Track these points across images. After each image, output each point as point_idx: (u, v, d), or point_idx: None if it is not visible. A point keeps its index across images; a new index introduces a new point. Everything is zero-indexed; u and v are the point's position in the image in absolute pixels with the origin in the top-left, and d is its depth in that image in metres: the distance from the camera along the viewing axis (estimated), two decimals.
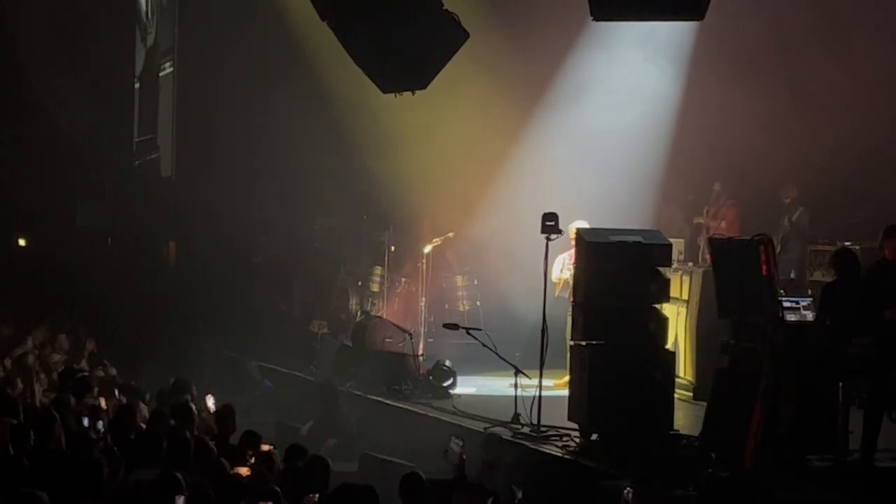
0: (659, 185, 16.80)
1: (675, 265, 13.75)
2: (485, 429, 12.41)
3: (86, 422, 10.60)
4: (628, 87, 16.52)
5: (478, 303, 17.53)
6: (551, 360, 12.60)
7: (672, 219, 17.07)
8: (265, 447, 10.10)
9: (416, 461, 10.93)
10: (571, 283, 13.92)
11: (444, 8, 11.40)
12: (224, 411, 11.07)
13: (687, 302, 13.95)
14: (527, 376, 12.62)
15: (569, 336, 13.31)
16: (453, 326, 14.13)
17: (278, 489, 8.27)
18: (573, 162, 16.38)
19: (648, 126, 16.55)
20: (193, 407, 11.34)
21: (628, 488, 9.16)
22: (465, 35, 11.52)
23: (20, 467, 8.58)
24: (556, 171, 16.36)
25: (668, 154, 16.76)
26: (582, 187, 15.72)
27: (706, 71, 16.38)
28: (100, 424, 10.71)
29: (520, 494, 9.55)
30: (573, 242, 14.50)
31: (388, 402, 14.39)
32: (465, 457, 10.09)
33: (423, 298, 16.29)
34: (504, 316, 16.37)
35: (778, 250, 14.32)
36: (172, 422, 10.56)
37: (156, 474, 8.31)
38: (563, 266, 14.62)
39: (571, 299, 13.76)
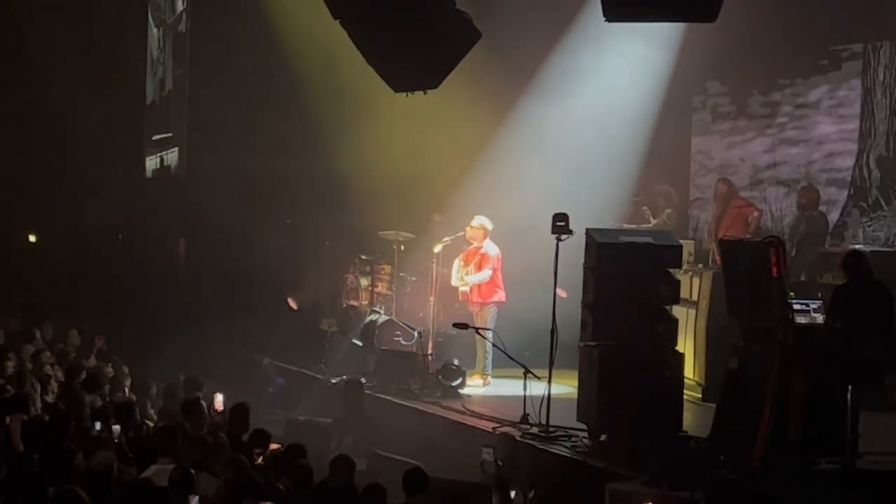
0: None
1: (685, 266, 13.74)
2: (493, 429, 12.43)
3: (98, 426, 10.61)
4: (620, 80, 16.51)
5: None
6: (560, 361, 12.59)
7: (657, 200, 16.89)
8: (274, 446, 10.15)
9: (429, 461, 10.94)
10: (468, 289, 15.07)
11: (456, 7, 11.41)
12: (237, 409, 11.09)
13: (697, 303, 13.95)
14: (536, 377, 12.62)
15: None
16: (463, 326, 14.13)
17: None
18: (583, 162, 16.41)
19: (643, 119, 16.62)
20: (203, 404, 11.38)
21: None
22: (478, 34, 11.51)
23: (33, 463, 8.62)
24: (567, 171, 16.37)
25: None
26: (587, 186, 15.79)
27: (701, 66, 16.37)
28: (98, 425, 10.72)
29: (531, 494, 9.58)
30: (470, 242, 14.86)
31: (397, 400, 14.41)
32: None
33: (433, 297, 16.29)
34: (513, 315, 16.34)
35: (793, 254, 14.27)
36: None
37: (167, 471, 8.35)
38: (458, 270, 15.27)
39: (471, 302, 15.09)
